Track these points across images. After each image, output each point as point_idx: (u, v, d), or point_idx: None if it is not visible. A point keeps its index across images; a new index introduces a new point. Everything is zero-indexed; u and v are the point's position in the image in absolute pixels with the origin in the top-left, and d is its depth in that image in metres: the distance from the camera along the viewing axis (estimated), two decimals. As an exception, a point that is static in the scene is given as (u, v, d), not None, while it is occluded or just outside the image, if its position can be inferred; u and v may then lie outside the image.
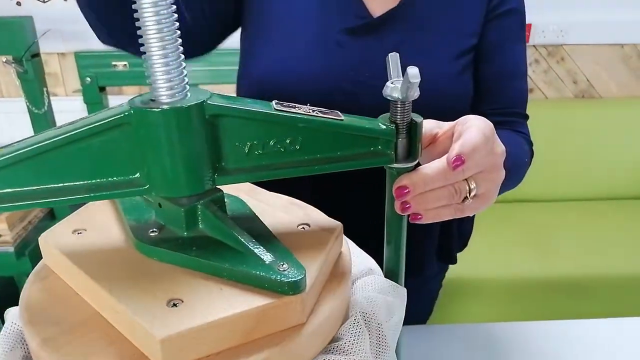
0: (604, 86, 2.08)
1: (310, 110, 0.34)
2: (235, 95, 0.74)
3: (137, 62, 1.60)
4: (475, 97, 0.67)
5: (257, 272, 0.29)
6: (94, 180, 0.31)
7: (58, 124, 1.70)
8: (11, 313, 0.35)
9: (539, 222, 1.79)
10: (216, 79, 1.61)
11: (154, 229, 0.33)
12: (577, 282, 1.53)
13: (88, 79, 1.58)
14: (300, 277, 0.29)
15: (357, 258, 0.40)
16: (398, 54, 0.36)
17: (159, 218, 0.34)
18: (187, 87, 0.32)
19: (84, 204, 0.39)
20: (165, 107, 0.30)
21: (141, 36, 0.30)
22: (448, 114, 0.46)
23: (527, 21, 1.86)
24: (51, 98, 1.63)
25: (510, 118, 0.69)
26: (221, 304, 0.28)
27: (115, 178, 0.32)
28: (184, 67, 0.32)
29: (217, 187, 0.34)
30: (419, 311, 0.82)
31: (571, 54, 2.02)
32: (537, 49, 2.00)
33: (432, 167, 0.36)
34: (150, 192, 0.32)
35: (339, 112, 0.36)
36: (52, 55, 1.97)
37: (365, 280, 0.38)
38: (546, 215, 1.83)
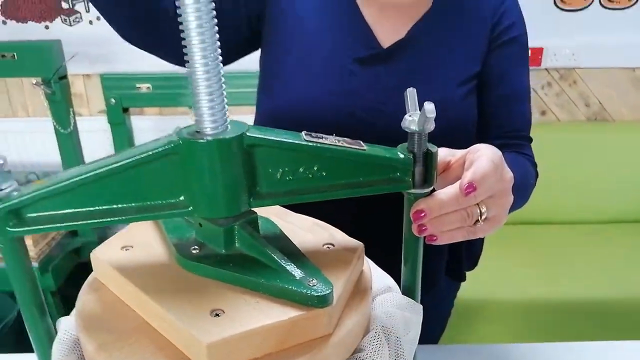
0: (616, 109, 2.10)
1: (336, 141, 0.38)
2: (254, 116, 0.79)
3: (159, 85, 1.66)
4: (482, 121, 0.70)
5: (289, 287, 0.33)
6: (143, 203, 0.35)
7: (83, 143, 1.76)
8: (63, 322, 0.39)
9: (551, 244, 1.80)
10: (235, 100, 1.66)
11: (195, 247, 0.37)
12: (588, 304, 1.53)
13: (113, 100, 1.64)
14: (327, 292, 0.33)
15: (377, 276, 0.43)
16: (415, 89, 0.39)
17: (199, 237, 0.38)
18: (228, 119, 0.36)
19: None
20: (209, 138, 0.34)
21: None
22: (454, 137, 0.49)
23: (539, 45, 1.89)
24: (76, 118, 1.70)
25: (515, 141, 0.72)
26: (258, 315, 0.31)
27: (162, 201, 0.35)
28: (226, 102, 0.36)
29: (252, 209, 0.38)
30: (431, 330, 0.85)
31: (583, 77, 2.05)
32: (549, 72, 2.03)
33: (446, 192, 0.39)
34: (193, 213, 0.35)
35: (362, 142, 0.39)
36: (78, 77, 2.04)
37: (385, 296, 0.41)
38: (557, 237, 1.84)
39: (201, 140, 0.34)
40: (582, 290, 1.55)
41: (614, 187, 1.94)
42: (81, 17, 1.98)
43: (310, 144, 0.36)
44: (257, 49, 0.74)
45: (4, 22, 1.99)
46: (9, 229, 0.34)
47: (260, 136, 0.35)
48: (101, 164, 0.35)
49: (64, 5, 1.96)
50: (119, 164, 0.34)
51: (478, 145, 0.43)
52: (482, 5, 0.70)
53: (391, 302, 0.41)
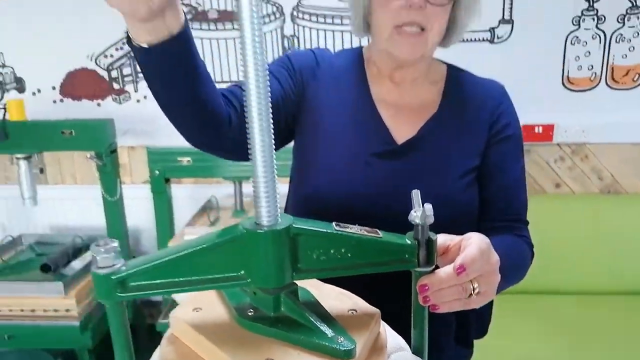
0: (629, 182, 2.18)
1: (359, 229, 0.50)
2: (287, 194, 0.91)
3: (198, 158, 1.83)
4: (483, 207, 0.81)
5: (323, 343, 0.44)
6: (214, 276, 0.47)
7: (126, 209, 1.91)
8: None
9: (564, 314, 1.83)
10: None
11: (251, 310, 0.49)
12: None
13: (157, 171, 1.81)
14: (352, 347, 0.43)
15: (391, 337, 0.54)
16: (419, 191, 0.51)
17: (253, 302, 0.50)
18: (278, 212, 0.48)
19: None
20: (266, 229, 0.46)
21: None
22: (458, 221, 0.60)
23: (550, 122, 2.02)
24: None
25: (513, 224, 0.82)
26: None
27: (227, 274, 0.47)
28: (278, 200, 0.48)
29: (294, 281, 0.49)
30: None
31: (595, 152, 2.15)
32: (561, 147, 2.15)
33: (444, 271, 0.50)
34: (250, 284, 0.47)
35: (378, 230, 0.51)
36: (123, 148, 2.24)
37: (398, 354, 0.52)
38: (571, 307, 1.88)
39: (260, 231, 0.46)
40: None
41: (628, 258, 1.98)
42: (130, 96, 2.21)
43: (339, 232, 0.49)
44: (290, 142, 0.88)
45: (62, 100, 2.23)
46: (117, 294, 0.46)
47: (302, 227, 0.47)
48: (184, 247, 0.47)
49: (115, 85, 2.20)
50: (198, 247, 0.47)
51: (470, 233, 0.54)
52: (481, 107, 0.83)
53: (405, 357, 0.51)
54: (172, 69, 0.61)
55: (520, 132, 0.86)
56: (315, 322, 0.46)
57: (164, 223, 1.87)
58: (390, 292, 0.61)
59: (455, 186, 0.78)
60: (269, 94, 0.45)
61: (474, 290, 0.52)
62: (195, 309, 0.51)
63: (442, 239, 0.55)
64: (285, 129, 0.83)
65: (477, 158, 0.81)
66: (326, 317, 0.48)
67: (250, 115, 0.46)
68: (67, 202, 2.30)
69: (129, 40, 0.60)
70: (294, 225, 0.47)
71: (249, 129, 0.46)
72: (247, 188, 1.90)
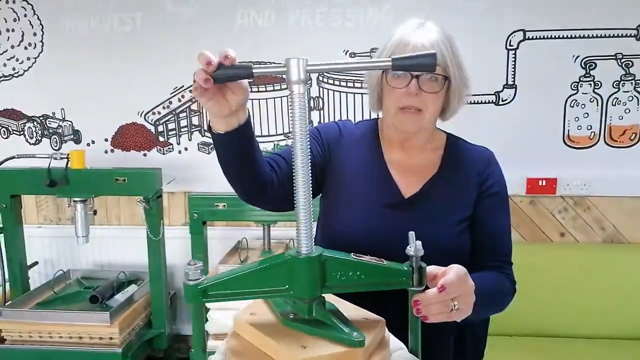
0: (630, 232, 2.32)
1: (370, 259, 0.70)
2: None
3: (232, 204, 2.06)
4: (475, 251, 0.99)
5: (342, 336, 0.63)
6: (268, 288, 0.67)
7: (167, 248, 2.12)
8: (212, 357, 0.70)
9: (569, 357, 1.94)
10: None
11: (291, 314, 0.68)
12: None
13: (195, 215, 2.04)
14: (362, 338, 0.63)
15: (392, 340, 0.73)
16: (414, 232, 0.71)
17: (293, 309, 0.69)
18: (313, 244, 0.69)
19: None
20: (304, 256, 0.66)
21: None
22: (452, 259, 0.79)
23: (553, 176, 2.21)
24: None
25: (499, 264, 1.00)
26: (327, 349, 0.62)
27: (275, 287, 0.68)
28: (317, 229, 0.69)
29: (322, 294, 0.69)
30: None
31: (596, 204, 2.31)
32: (565, 199, 2.32)
33: (432, 291, 0.70)
34: (292, 296, 0.67)
35: (384, 260, 0.71)
36: (164, 194, 2.48)
37: (398, 353, 0.70)
38: (576, 351, 1.99)
39: (300, 257, 0.66)
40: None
41: (630, 305, 2.09)
42: (172, 148, 2.48)
43: (355, 260, 0.69)
44: (317, 195, 1.09)
45: (112, 151, 2.52)
46: (200, 298, 0.67)
47: (329, 255, 0.68)
48: (247, 268, 0.68)
49: (161, 138, 2.48)
50: (257, 268, 0.67)
51: (452, 265, 0.74)
52: (473, 168, 1.04)
53: (403, 356, 0.70)
54: (237, 147, 0.84)
55: (506, 190, 1.05)
56: (337, 322, 0.65)
57: (199, 260, 2.08)
58: (392, 307, 0.79)
59: (451, 232, 0.98)
60: (310, 161, 0.67)
61: (454, 306, 0.71)
62: (251, 314, 0.71)
63: (432, 269, 0.74)
64: (314, 185, 1.05)
65: (469, 210, 1.01)
66: (345, 320, 0.67)
67: (297, 175, 0.68)
68: (110, 241, 2.54)
69: (209, 128, 0.84)
70: (323, 254, 0.67)
71: (295, 185, 0.68)
72: (274, 231, 2.11)
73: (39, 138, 2.54)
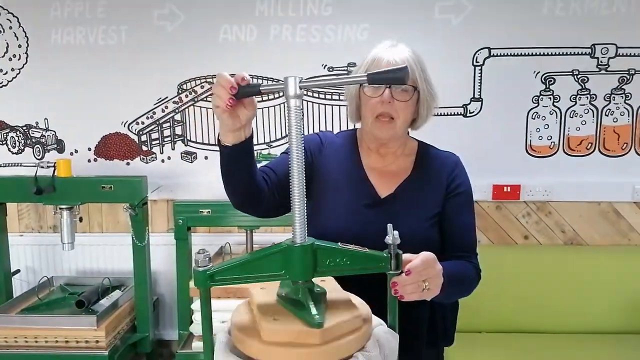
0: (588, 235, 2.50)
1: (354, 247, 0.81)
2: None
3: (216, 210, 2.14)
4: (445, 243, 1.12)
5: (309, 318, 0.74)
6: (268, 273, 0.78)
7: (155, 253, 2.19)
8: (222, 326, 0.80)
9: (532, 351, 2.08)
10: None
11: (285, 293, 0.79)
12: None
13: (180, 221, 2.12)
14: (321, 322, 0.72)
15: (375, 317, 0.84)
16: (392, 224, 0.83)
17: (290, 290, 0.80)
18: (306, 235, 0.79)
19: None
20: (298, 245, 0.77)
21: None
22: (423, 248, 0.91)
23: (517, 183, 2.38)
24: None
25: (466, 254, 1.13)
26: (293, 325, 0.72)
27: (273, 272, 0.78)
28: (309, 224, 0.80)
29: (312, 279, 0.80)
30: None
31: (557, 209, 2.49)
32: (528, 204, 2.48)
33: (404, 275, 0.82)
34: (288, 278, 0.78)
35: (366, 249, 0.82)
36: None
37: (379, 327, 0.82)
38: (539, 345, 2.14)
39: (295, 246, 0.77)
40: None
41: (589, 302, 2.26)
42: (156, 157, 2.56)
43: (342, 248, 0.80)
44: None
45: (95, 160, 2.57)
46: (208, 283, 0.77)
47: (320, 244, 0.79)
48: (249, 256, 0.78)
49: (144, 147, 2.55)
50: (258, 256, 0.78)
51: (422, 252, 0.86)
52: (442, 171, 1.17)
53: (383, 329, 0.81)
54: (242, 159, 0.98)
55: (470, 190, 1.18)
56: (309, 305, 0.75)
57: (183, 266, 2.16)
58: (373, 287, 0.90)
59: (422, 226, 1.11)
60: (304, 167, 0.78)
61: (425, 287, 0.83)
62: (262, 288, 0.82)
63: (407, 256, 0.86)
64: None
65: (438, 208, 1.14)
66: (321, 303, 0.78)
67: (292, 176, 0.79)
68: (92, 248, 2.58)
69: (218, 141, 0.97)
70: (315, 243, 0.78)
71: (291, 185, 0.79)
72: (256, 236, 2.20)
73: (22, 147, 2.58)
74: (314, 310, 0.75)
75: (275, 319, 0.73)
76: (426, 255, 0.85)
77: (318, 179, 1.16)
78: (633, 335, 2.23)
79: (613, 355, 2.05)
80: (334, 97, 2.43)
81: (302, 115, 0.80)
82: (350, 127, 1.32)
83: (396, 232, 0.80)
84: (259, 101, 2.53)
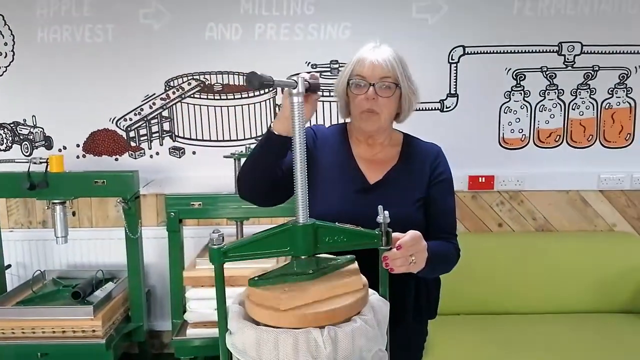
0: (558, 222, 2.66)
1: (350, 225, 0.92)
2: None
3: (207, 203, 2.22)
4: (429, 225, 1.23)
5: (336, 261, 0.84)
6: (273, 250, 0.88)
7: (144, 247, 2.26)
8: (230, 302, 0.89)
9: (506, 330, 2.22)
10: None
11: (293, 267, 0.89)
12: None
13: (172, 213, 2.19)
14: (353, 258, 0.85)
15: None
16: (382, 206, 0.94)
17: (297, 267, 0.90)
18: (308, 215, 0.90)
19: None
20: (301, 224, 0.88)
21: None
22: (411, 228, 1.02)
23: (491, 173, 2.53)
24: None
25: (447, 235, 1.25)
26: (310, 293, 0.83)
27: (280, 249, 0.88)
28: (308, 208, 0.90)
29: (315, 254, 0.90)
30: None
31: (528, 198, 2.64)
32: (501, 193, 2.63)
33: (395, 249, 0.93)
34: (292, 254, 0.88)
35: (361, 227, 0.93)
36: (137, 196, 2.61)
37: (373, 296, 0.93)
38: (512, 325, 2.28)
39: (298, 225, 0.88)
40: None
41: (558, 284, 2.42)
42: (144, 153, 2.62)
43: (340, 227, 0.91)
44: None
45: (84, 156, 2.62)
46: (222, 259, 0.86)
47: (320, 224, 0.89)
48: (258, 235, 0.88)
49: (132, 143, 2.61)
50: (266, 234, 0.88)
51: (410, 230, 0.97)
52: (425, 161, 1.28)
53: (376, 298, 0.92)
54: (280, 150, 1.12)
55: (451, 177, 1.30)
56: (329, 259, 0.87)
57: (176, 257, 2.24)
58: (369, 264, 1.00)
59: (409, 209, 1.22)
60: (306, 155, 0.89)
61: (412, 260, 0.94)
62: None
63: (396, 234, 0.97)
64: None
65: (422, 193, 1.25)
66: (326, 272, 0.89)
67: (295, 162, 0.89)
68: (83, 243, 2.63)
69: (268, 129, 1.11)
70: (316, 223, 0.89)
71: (295, 171, 0.89)
72: (246, 228, 2.29)
73: (10, 145, 2.61)
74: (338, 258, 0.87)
75: (285, 290, 0.83)
76: (414, 232, 0.97)
77: (313, 168, 1.26)
78: (599, 314, 2.39)
79: (581, 333, 2.19)
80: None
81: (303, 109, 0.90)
82: (339, 120, 1.43)
83: (387, 212, 0.91)
84: (251, 95, 2.60)
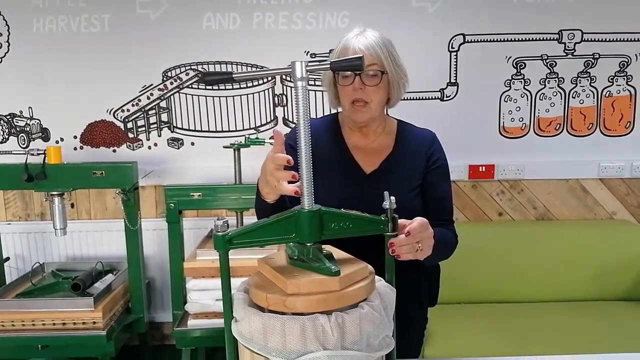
0: (558, 211, 2.66)
1: (355, 212, 0.91)
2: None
3: (207, 194, 2.21)
4: (426, 211, 1.21)
5: (327, 268, 0.83)
6: (279, 237, 0.87)
7: (144, 237, 2.25)
8: (237, 287, 0.89)
9: (508, 317, 2.24)
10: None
11: (295, 257, 0.88)
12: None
13: (172, 205, 2.18)
14: (338, 270, 0.83)
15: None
16: (388, 192, 0.93)
17: (299, 253, 0.89)
18: (313, 202, 0.89)
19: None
20: (306, 210, 0.86)
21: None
22: (410, 215, 1.01)
23: (491, 163, 2.53)
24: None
25: (444, 222, 1.24)
26: (316, 277, 0.82)
27: (285, 235, 0.87)
28: (313, 196, 0.89)
29: (319, 240, 0.89)
30: (411, 346, 1.31)
31: (529, 187, 2.64)
32: (501, 182, 2.63)
33: (402, 236, 0.92)
34: (298, 240, 0.87)
35: (367, 214, 0.92)
36: (135, 188, 2.59)
37: (379, 282, 0.92)
38: (512, 312, 2.30)
39: (304, 211, 0.86)
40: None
41: (558, 272, 2.42)
42: (142, 144, 2.60)
43: (345, 213, 0.90)
44: None
45: (82, 147, 2.60)
46: (227, 246, 0.85)
47: (326, 210, 0.88)
48: (263, 221, 0.87)
49: (130, 135, 2.59)
50: (271, 221, 0.87)
51: (417, 217, 0.96)
52: (420, 148, 1.26)
53: (382, 284, 0.91)
54: (278, 206, 1.05)
55: (447, 163, 1.29)
56: (325, 260, 0.85)
57: (176, 248, 2.22)
58: (372, 248, 0.99)
59: (407, 197, 1.21)
60: (310, 142, 0.87)
61: (419, 247, 0.94)
62: (270, 258, 0.91)
63: (402, 221, 0.96)
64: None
65: (418, 180, 1.24)
66: (332, 259, 0.87)
67: (300, 151, 0.87)
68: (81, 235, 2.62)
69: (258, 191, 1.07)
70: (322, 209, 0.88)
71: (299, 159, 0.88)
72: (246, 218, 2.28)
73: (6, 137, 2.59)
74: (328, 263, 0.85)
75: (295, 275, 0.82)
76: (421, 219, 0.96)
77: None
78: (600, 302, 2.41)
79: (582, 321, 2.21)
80: (316, 82, 2.51)
81: (308, 95, 0.87)
82: (331, 111, 1.41)
83: (392, 198, 0.90)
84: (250, 85, 2.57)
